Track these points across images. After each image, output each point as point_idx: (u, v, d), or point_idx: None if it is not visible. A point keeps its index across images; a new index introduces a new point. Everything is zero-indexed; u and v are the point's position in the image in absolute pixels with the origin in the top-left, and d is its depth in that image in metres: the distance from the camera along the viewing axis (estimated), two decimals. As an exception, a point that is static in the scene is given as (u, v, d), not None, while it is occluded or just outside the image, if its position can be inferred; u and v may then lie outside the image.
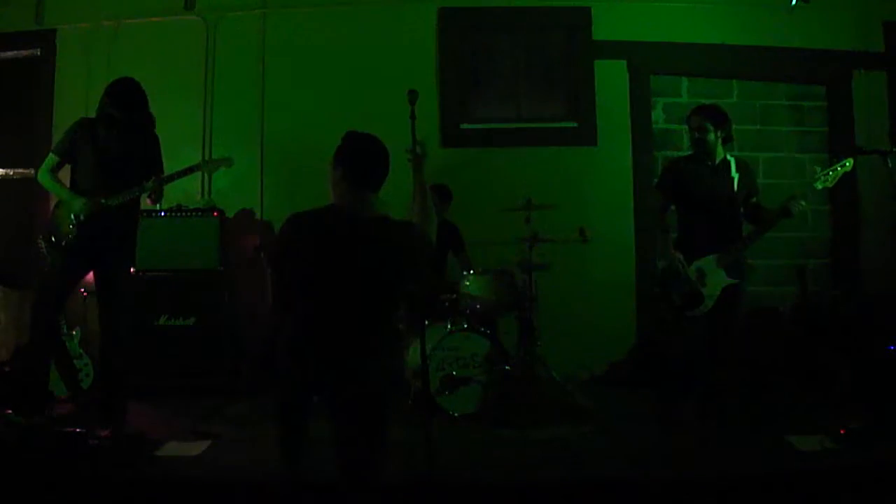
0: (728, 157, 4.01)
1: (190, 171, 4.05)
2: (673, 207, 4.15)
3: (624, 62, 5.77)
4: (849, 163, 3.80)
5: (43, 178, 3.90)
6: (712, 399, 3.90)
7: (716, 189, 3.93)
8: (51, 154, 3.93)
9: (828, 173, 3.77)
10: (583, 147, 5.74)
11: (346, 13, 5.77)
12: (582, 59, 5.80)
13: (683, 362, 3.96)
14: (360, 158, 2.52)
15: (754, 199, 4.03)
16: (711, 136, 3.93)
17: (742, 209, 3.99)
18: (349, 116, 5.45)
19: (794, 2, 5.38)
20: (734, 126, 5.79)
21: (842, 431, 3.49)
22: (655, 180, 4.22)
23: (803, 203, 3.74)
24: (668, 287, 3.96)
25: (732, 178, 3.94)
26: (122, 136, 3.83)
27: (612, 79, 5.76)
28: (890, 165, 3.76)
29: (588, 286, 5.42)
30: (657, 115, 5.85)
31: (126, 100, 3.80)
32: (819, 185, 3.79)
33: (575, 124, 5.80)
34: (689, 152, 4.21)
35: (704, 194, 3.93)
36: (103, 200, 3.79)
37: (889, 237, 5.64)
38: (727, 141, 4.01)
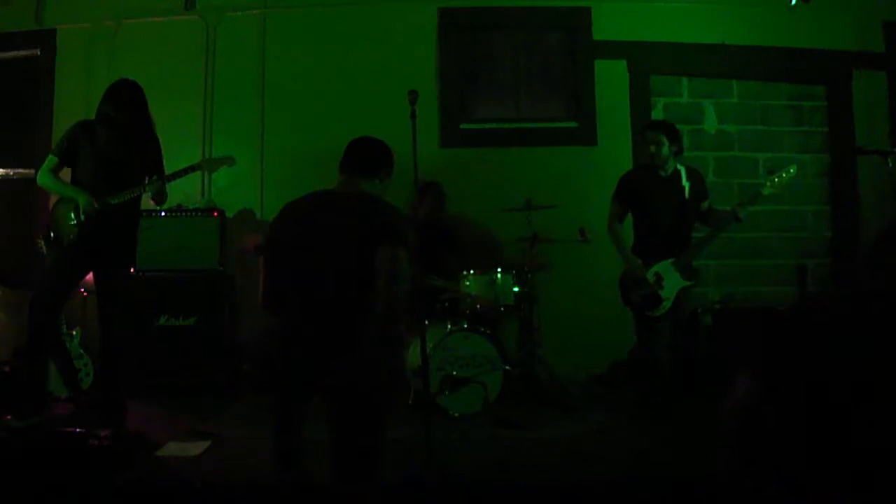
0: (678, 166, 4.26)
1: (191, 169, 4.06)
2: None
3: (624, 62, 5.77)
4: (793, 169, 4.12)
5: (43, 179, 3.90)
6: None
7: (668, 198, 4.20)
8: (50, 155, 3.92)
9: (773, 180, 4.10)
10: (583, 147, 5.74)
11: (346, 13, 5.77)
12: (582, 59, 5.80)
13: (656, 361, 4.16)
14: (352, 146, 2.68)
15: (706, 204, 4.33)
16: (666, 150, 4.18)
17: (695, 214, 4.29)
18: (349, 116, 5.50)
19: (794, 2, 5.39)
20: (734, 126, 5.91)
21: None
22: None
23: (750, 208, 4.09)
24: (627, 290, 4.21)
25: (684, 187, 4.23)
26: (121, 137, 3.83)
27: (612, 79, 5.76)
28: (890, 165, 3.76)
29: (588, 286, 5.41)
30: (657, 115, 5.84)
31: (123, 100, 3.81)
32: (766, 192, 4.10)
33: (575, 124, 5.80)
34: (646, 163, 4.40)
35: (658, 203, 4.20)
36: (112, 200, 3.79)
37: (889, 237, 5.63)
38: (678, 154, 4.26)
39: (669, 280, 4.11)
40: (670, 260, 4.12)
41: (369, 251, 2.40)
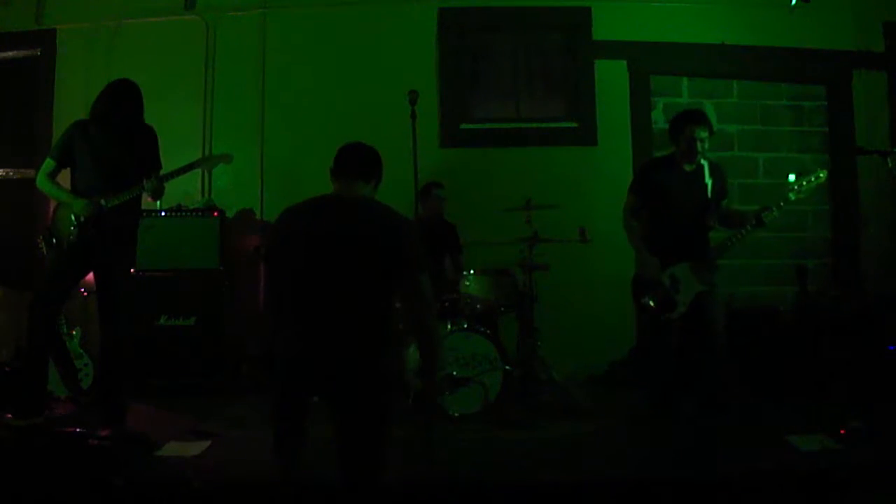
0: (702, 161, 4.03)
1: (190, 167, 4.04)
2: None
3: (624, 62, 5.77)
4: (823, 174, 3.84)
5: (42, 182, 3.90)
6: (705, 398, 3.95)
7: (690, 195, 3.98)
8: (48, 159, 3.92)
9: (801, 184, 3.81)
10: (583, 147, 5.74)
11: (346, 13, 5.77)
12: (582, 59, 5.81)
13: (665, 364, 4.02)
14: (344, 151, 2.68)
15: (725, 203, 4.10)
16: (707, 145, 3.97)
17: (715, 212, 4.05)
18: (349, 116, 5.51)
19: (794, 2, 5.38)
20: (734, 126, 5.91)
21: (842, 431, 3.49)
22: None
23: (776, 213, 3.81)
24: (642, 291, 4.00)
25: (706, 185, 4.00)
26: (116, 137, 3.82)
27: (612, 79, 5.76)
28: (890, 165, 3.76)
29: (588, 286, 5.42)
30: (657, 115, 5.85)
31: (116, 100, 3.80)
32: (793, 197, 3.83)
33: (575, 124, 5.80)
34: (666, 154, 4.19)
35: (679, 200, 3.98)
36: (103, 201, 3.79)
37: (889, 237, 5.64)
38: None
39: (686, 284, 3.89)
40: (688, 263, 3.90)
41: (379, 259, 2.42)
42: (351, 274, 2.41)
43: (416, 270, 2.48)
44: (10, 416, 3.71)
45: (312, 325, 2.41)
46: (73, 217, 3.80)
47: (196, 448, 3.53)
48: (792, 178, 3.85)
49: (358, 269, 2.41)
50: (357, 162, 2.65)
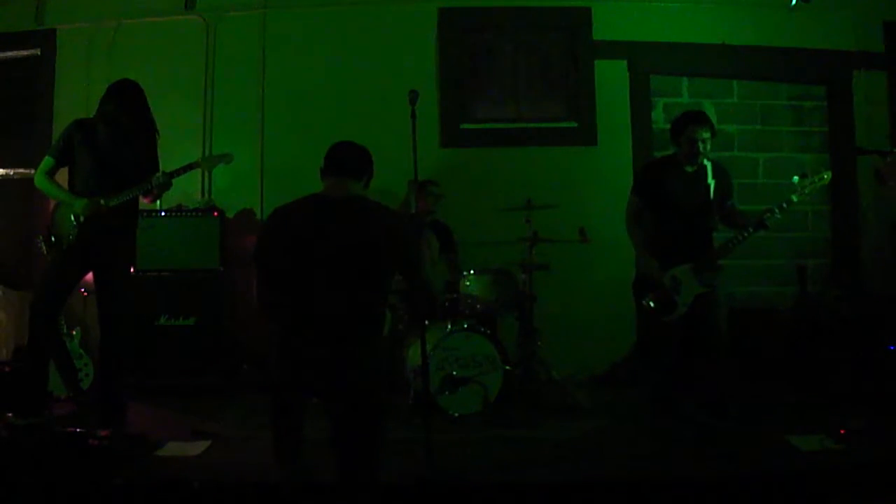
0: (704, 161, 4.02)
1: (190, 167, 4.04)
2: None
3: (624, 62, 5.77)
4: (827, 175, 3.84)
5: (40, 181, 3.89)
6: (705, 398, 3.96)
7: (692, 196, 3.98)
8: (46, 157, 3.91)
9: (805, 186, 3.81)
10: (583, 147, 5.73)
11: (346, 13, 5.77)
12: (582, 59, 5.80)
13: (666, 364, 4.02)
14: (335, 148, 2.66)
15: (730, 203, 4.09)
16: (709, 146, 3.97)
17: (718, 213, 4.05)
18: (349, 116, 5.51)
19: (794, 2, 5.38)
20: (734, 126, 5.91)
21: (842, 431, 3.49)
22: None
23: (778, 214, 3.81)
24: (642, 292, 4.01)
25: (709, 185, 4.00)
26: (122, 137, 3.83)
27: (612, 79, 5.76)
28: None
29: (588, 286, 5.42)
30: (657, 115, 5.85)
31: (127, 100, 3.80)
32: (796, 198, 3.82)
33: (575, 124, 5.79)
34: (668, 154, 4.20)
35: (681, 201, 3.98)
36: (103, 201, 3.78)
37: (889, 237, 5.64)
38: None
39: (687, 285, 3.89)
40: (689, 265, 3.90)
41: (374, 259, 2.42)
42: (346, 274, 2.41)
43: (415, 266, 2.48)
44: (10, 414, 3.70)
45: (308, 324, 2.40)
46: (72, 217, 3.80)
47: (196, 448, 3.53)
48: (796, 179, 3.85)
49: (353, 269, 2.41)
50: (347, 159, 2.63)
